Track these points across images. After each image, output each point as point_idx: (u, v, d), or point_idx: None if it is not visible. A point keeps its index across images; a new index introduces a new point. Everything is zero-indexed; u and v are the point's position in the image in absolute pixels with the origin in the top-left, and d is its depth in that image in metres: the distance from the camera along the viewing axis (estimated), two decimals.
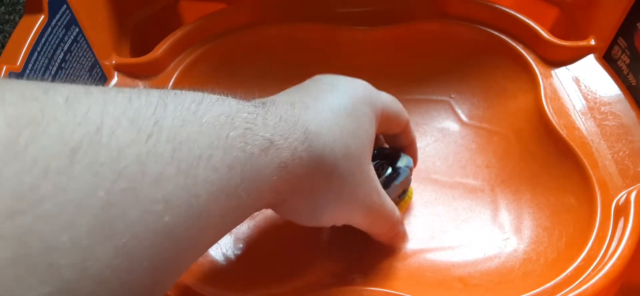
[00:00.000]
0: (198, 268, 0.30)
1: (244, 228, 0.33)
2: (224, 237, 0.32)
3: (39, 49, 0.29)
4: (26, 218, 0.13)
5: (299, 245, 0.32)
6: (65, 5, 0.31)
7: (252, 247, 0.32)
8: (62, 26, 0.31)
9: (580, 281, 0.26)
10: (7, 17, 0.61)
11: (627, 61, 0.34)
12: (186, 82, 0.38)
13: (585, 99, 0.34)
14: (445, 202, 0.34)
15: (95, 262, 0.14)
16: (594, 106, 0.34)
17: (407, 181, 0.31)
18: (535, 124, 0.35)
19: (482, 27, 0.40)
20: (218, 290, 0.29)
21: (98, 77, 0.35)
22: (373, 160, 0.30)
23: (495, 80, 0.39)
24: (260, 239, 0.33)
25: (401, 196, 0.31)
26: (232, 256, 0.32)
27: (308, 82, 0.27)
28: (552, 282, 0.27)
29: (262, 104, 0.22)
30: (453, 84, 0.40)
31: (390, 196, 0.28)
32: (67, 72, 0.31)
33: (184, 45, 0.39)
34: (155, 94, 0.17)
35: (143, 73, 0.37)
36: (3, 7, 0.62)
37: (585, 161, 0.31)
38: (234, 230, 0.33)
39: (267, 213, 0.33)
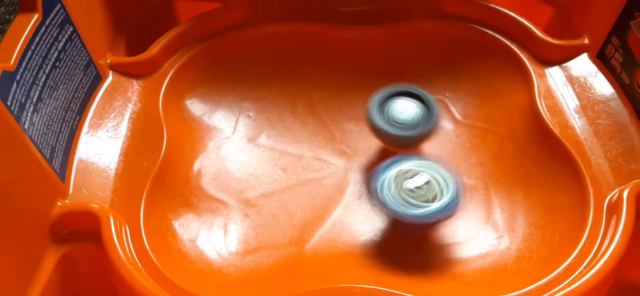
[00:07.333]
0: (193, 267, 0.30)
1: (240, 225, 0.33)
2: (221, 237, 0.32)
3: (33, 47, 0.29)
4: None
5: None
6: (59, 4, 0.31)
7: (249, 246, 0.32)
8: (56, 25, 0.31)
9: (573, 278, 0.26)
10: (7, 17, 0.61)
11: (621, 60, 0.34)
12: (181, 81, 0.38)
13: (579, 97, 0.35)
14: None
15: None
16: (587, 105, 0.34)
17: None
18: (529, 123, 0.35)
19: (476, 26, 0.40)
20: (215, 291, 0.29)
21: (93, 77, 0.35)
22: None
23: (489, 79, 0.39)
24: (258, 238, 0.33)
25: None
26: (228, 256, 0.32)
27: None
28: (545, 279, 0.27)
29: None
30: (447, 82, 0.40)
31: None
32: (61, 71, 0.31)
33: (179, 45, 0.39)
34: None
35: (138, 72, 0.37)
36: (3, 7, 0.61)
37: (578, 159, 0.31)
38: (230, 228, 0.33)
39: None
